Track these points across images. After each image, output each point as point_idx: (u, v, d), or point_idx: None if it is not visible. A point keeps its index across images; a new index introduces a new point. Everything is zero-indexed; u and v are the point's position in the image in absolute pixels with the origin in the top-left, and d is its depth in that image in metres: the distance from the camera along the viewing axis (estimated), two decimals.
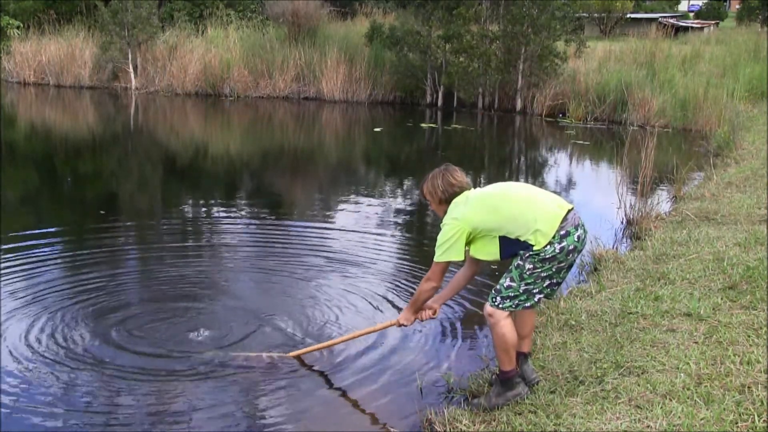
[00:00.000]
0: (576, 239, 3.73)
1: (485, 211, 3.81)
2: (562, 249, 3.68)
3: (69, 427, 3.91)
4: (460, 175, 4.01)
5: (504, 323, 3.81)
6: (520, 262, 3.75)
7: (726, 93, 17.24)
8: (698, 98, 16.96)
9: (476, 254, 3.91)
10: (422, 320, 4.29)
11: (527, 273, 3.73)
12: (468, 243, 3.86)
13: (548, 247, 3.67)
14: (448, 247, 3.84)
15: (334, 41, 21.39)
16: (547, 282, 3.79)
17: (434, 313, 4.26)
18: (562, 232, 3.68)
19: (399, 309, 5.62)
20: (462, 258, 3.90)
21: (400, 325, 4.31)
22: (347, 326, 5.28)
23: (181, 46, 22.15)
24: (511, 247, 3.76)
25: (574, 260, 3.85)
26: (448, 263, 3.93)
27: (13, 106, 19.52)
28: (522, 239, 3.70)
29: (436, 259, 3.92)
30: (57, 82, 23.15)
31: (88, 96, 21.62)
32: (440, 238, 3.89)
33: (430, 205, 4.13)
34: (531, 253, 3.70)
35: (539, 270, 3.72)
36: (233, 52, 21.65)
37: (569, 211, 3.79)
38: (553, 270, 3.74)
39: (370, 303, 5.79)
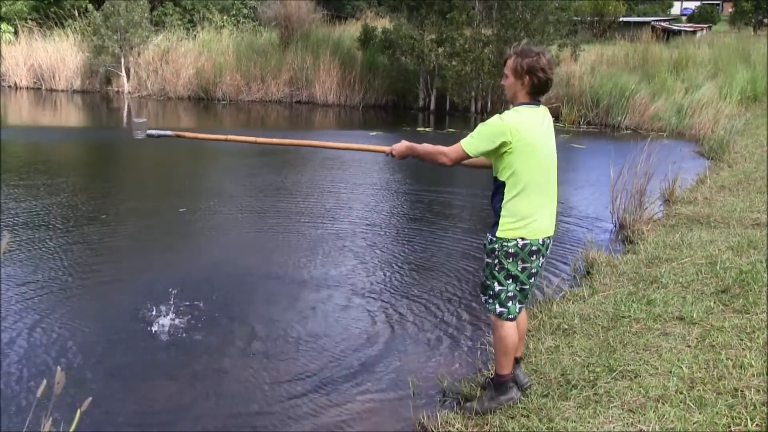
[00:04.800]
0: (540, 242, 3.70)
1: (532, 158, 3.60)
2: (524, 246, 3.66)
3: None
4: (550, 65, 3.61)
5: (507, 326, 3.79)
6: (488, 260, 3.76)
7: (719, 97, 17.30)
8: (691, 102, 17.01)
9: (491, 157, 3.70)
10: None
11: (496, 270, 3.73)
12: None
13: (511, 239, 3.65)
14: (482, 143, 3.60)
15: (327, 45, 21.42)
16: (520, 286, 3.76)
17: None
18: (526, 239, 3.67)
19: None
20: (488, 161, 3.72)
21: (390, 153, 4.06)
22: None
23: (173, 50, 22.14)
24: (497, 195, 3.69)
25: (539, 266, 3.79)
26: (468, 156, 3.66)
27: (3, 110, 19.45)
28: (503, 206, 3.65)
29: (463, 143, 3.64)
30: (49, 85, 23.11)
31: (80, 100, 21.57)
32: (481, 127, 3.62)
33: (505, 79, 3.70)
34: (494, 245, 3.69)
35: (506, 266, 3.69)
36: (226, 56, 21.66)
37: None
38: (520, 271, 3.71)
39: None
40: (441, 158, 3.77)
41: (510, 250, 3.66)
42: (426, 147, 3.89)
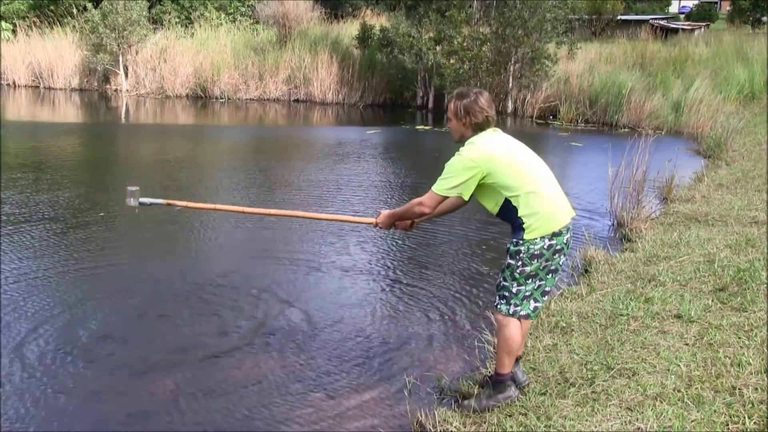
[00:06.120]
0: (564, 241, 3.71)
1: (510, 169, 3.66)
2: (550, 246, 3.66)
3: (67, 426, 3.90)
4: (488, 103, 3.78)
5: (512, 326, 3.79)
6: (511, 261, 3.72)
7: (718, 95, 17.30)
8: (689, 100, 17.01)
9: (477, 197, 3.78)
10: (397, 228, 4.24)
11: (518, 272, 3.71)
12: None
13: (538, 240, 3.64)
14: (451, 180, 3.68)
15: (326, 43, 21.42)
16: (537, 284, 3.76)
17: (411, 226, 4.23)
18: (555, 230, 3.67)
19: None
20: (466, 197, 3.74)
21: (375, 225, 4.24)
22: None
23: (171, 48, 22.15)
24: (509, 214, 3.70)
25: (560, 264, 3.80)
26: (442, 198, 3.77)
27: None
28: (520, 216, 3.65)
29: (434, 188, 3.74)
30: (47, 84, 23.10)
31: (78, 98, 21.55)
32: (448, 168, 3.71)
33: (449, 123, 3.86)
34: (520, 248, 3.67)
35: (528, 268, 3.68)
36: (224, 55, 21.67)
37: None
38: (541, 269, 3.70)
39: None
40: (419, 209, 3.88)
41: (536, 252, 3.66)
42: (404, 207, 4.02)
